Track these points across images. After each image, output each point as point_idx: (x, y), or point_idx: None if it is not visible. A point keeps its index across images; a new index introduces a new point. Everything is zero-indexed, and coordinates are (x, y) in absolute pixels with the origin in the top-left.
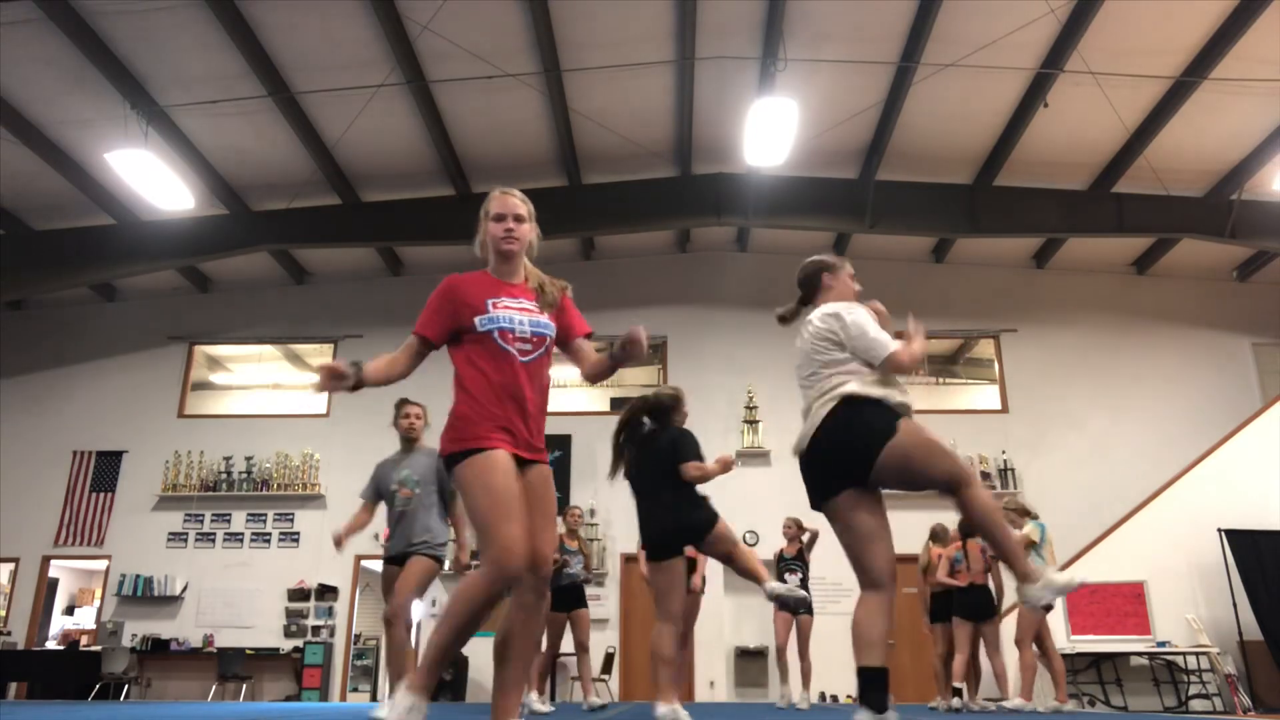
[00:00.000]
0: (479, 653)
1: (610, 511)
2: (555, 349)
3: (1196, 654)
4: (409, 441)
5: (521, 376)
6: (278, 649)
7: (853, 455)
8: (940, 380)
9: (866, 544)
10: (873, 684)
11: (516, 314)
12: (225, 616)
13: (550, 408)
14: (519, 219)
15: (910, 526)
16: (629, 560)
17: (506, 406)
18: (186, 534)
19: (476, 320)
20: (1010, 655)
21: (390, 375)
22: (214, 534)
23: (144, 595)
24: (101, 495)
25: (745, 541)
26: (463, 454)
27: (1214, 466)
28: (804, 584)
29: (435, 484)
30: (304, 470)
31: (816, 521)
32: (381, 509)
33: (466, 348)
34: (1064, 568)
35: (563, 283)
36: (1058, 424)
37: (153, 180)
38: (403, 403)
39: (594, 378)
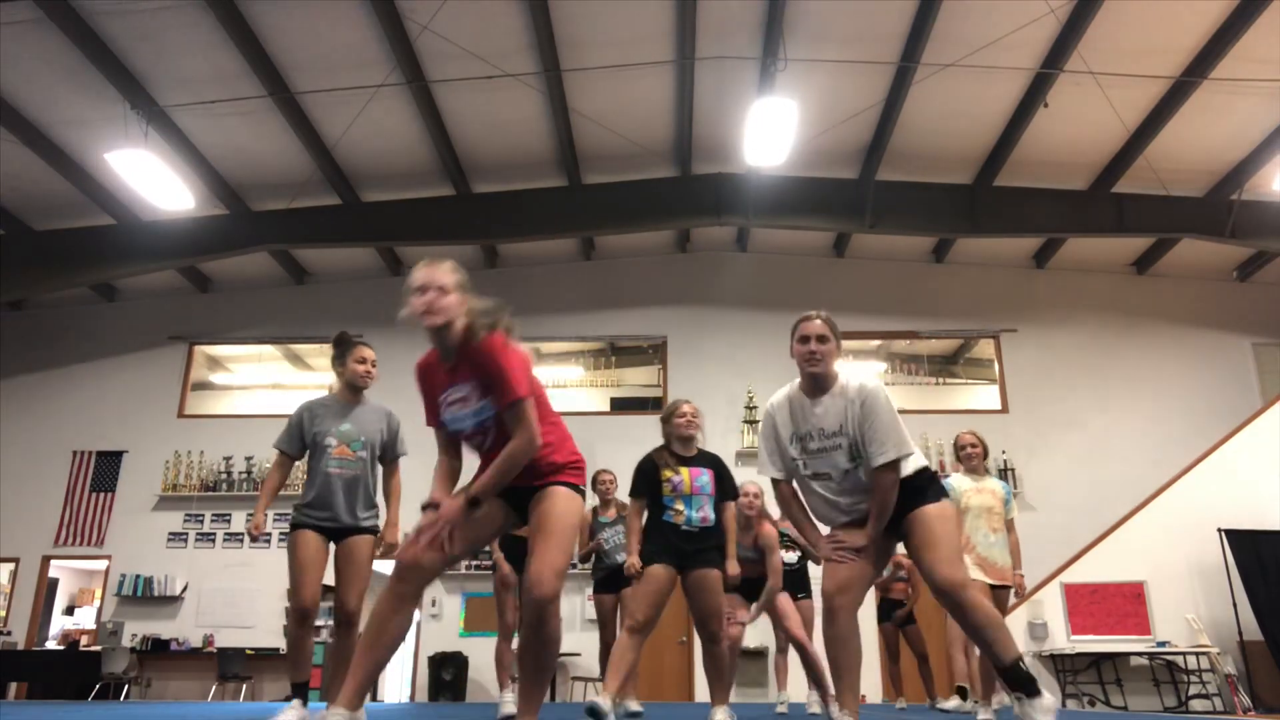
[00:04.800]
0: (479, 653)
1: None
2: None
3: (1196, 654)
4: (355, 390)
5: (488, 460)
6: (278, 649)
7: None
8: (940, 380)
9: None
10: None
11: (458, 411)
12: (225, 616)
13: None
14: (442, 289)
15: None
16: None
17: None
18: (186, 534)
19: (440, 417)
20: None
21: (455, 469)
22: (214, 534)
23: (144, 595)
24: (101, 495)
25: None
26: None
27: (1214, 466)
28: (803, 560)
29: (379, 449)
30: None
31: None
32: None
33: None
34: (1064, 568)
35: (486, 323)
36: (1058, 424)
37: (153, 180)
38: (359, 344)
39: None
